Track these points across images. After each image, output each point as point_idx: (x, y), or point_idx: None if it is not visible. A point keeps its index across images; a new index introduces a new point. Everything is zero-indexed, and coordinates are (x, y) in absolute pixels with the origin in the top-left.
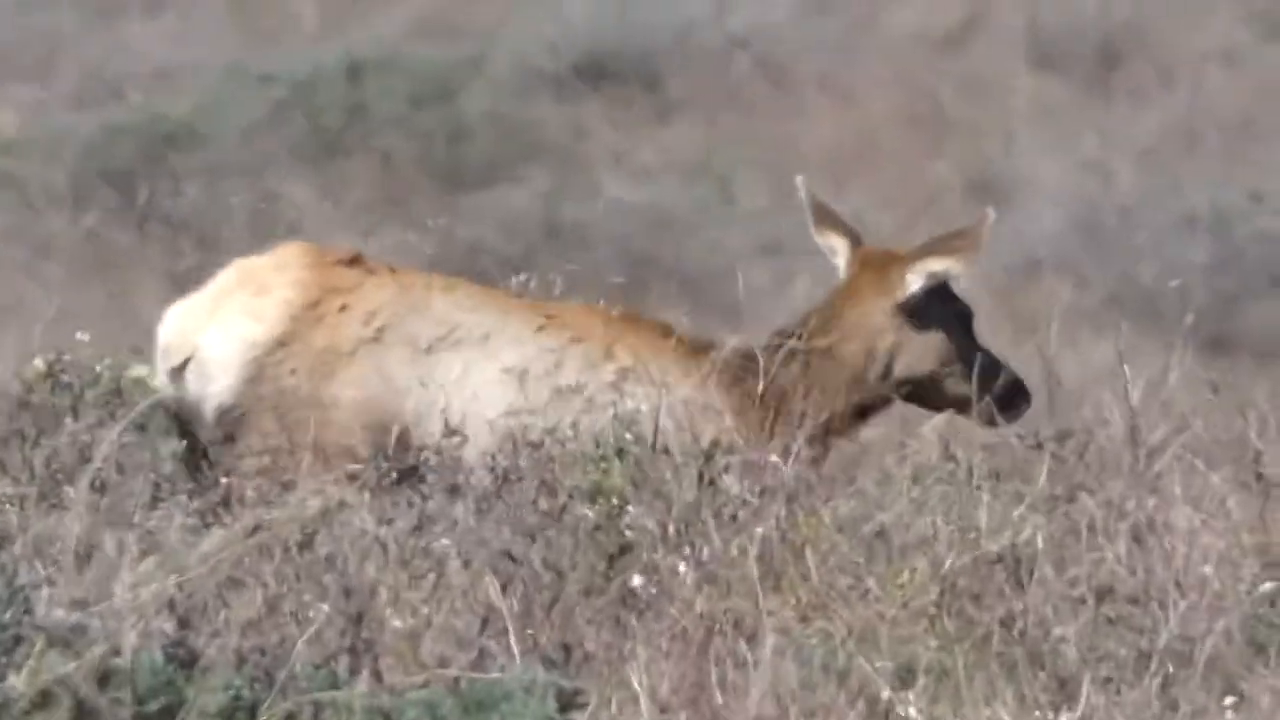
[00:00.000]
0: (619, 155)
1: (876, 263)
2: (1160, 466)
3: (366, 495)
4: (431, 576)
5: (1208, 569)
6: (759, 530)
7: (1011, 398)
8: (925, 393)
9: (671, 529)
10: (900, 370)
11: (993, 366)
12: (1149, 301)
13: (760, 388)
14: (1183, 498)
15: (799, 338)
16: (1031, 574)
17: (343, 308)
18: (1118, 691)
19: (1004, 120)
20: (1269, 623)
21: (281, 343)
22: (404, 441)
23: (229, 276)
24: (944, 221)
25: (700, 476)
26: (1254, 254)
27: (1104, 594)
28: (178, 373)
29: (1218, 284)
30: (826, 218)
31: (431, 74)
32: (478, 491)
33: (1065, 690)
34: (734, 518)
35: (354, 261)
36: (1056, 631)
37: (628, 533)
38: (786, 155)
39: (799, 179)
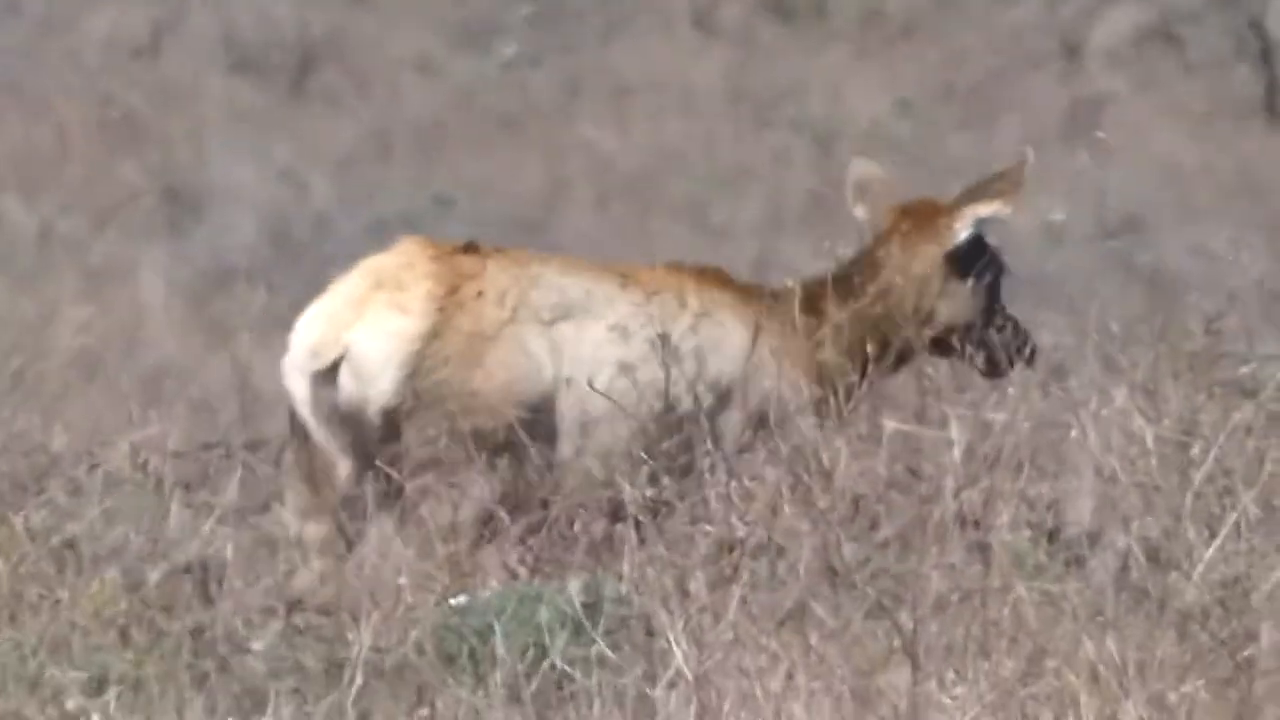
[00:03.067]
0: None
1: (920, 212)
2: None
3: None
4: None
5: (401, 580)
6: None
7: (1027, 355)
8: (953, 343)
9: None
10: (943, 318)
11: (1018, 325)
12: None
13: (819, 327)
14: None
15: (855, 281)
16: (221, 585)
17: (479, 293)
18: (308, 702)
19: (198, 127)
20: (459, 633)
21: (435, 334)
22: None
23: (359, 279)
24: (134, 228)
25: None
26: None
27: (294, 605)
28: (325, 375)
29: None
30: (863, 192)
31: None
32: None
33: (256, 700)
34: None
35: (469, 249)
36: (247, 642)
37: None
38: None
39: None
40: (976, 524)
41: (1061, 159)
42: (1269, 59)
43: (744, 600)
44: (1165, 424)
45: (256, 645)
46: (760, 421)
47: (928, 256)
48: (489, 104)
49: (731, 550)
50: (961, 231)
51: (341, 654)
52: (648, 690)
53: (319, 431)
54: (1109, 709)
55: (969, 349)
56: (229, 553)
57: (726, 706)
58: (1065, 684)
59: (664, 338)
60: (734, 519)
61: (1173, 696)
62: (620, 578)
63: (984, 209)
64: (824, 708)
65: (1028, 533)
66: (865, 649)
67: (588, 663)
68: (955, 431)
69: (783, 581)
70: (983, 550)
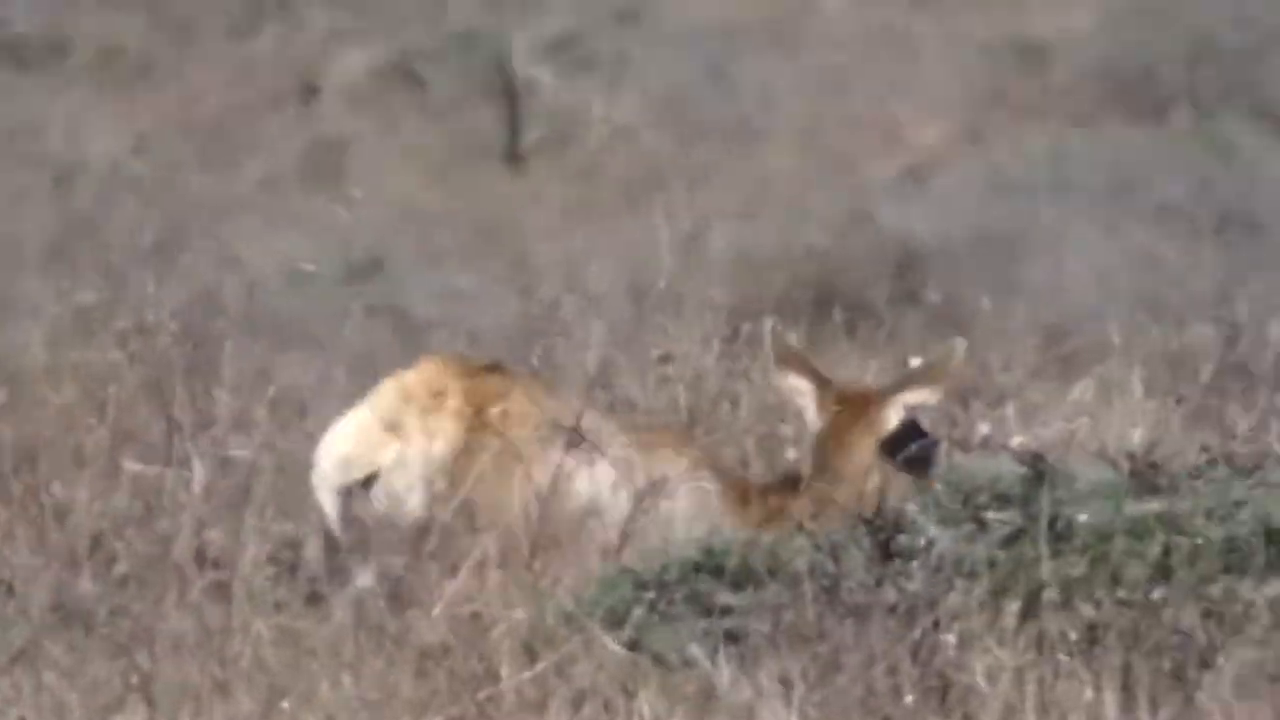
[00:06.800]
0: None
1: (854, 402)
2: None
3: None
4: None
5: None
6: None
7: None
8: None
9: None
10: (890, 502)
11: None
12: None
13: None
14: None
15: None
16: None
17: (504, 413)
18: None
19: None
20: None
21: (466, 453)
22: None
23: (388, 396)
24: None
25: None
26: None
27: None
28: (357, 487)
29: None
30: (790, 360)
31: None
32: None
33: None
34: None
35: (493, 369)
36: None
37: None
38: None
39: (768, 323)
40: (217, 563)
41: (302, 200)
42: (512, 100)
43: None
44: None
45: None
46: None
47: (864, 447)
48: None
49: None
50: (892, 419)
51: None
52: None
53: (345, 536)
54: None
55: None
56: None
57: None
58: None
59: (662, 481)
60: None
61: None
62: None
63: (913, 396)
64: None
65: (270, 570)
66: (100, 690)
67: None
68: (198, 469)
69: (14, 620)
70: (223, 588)
